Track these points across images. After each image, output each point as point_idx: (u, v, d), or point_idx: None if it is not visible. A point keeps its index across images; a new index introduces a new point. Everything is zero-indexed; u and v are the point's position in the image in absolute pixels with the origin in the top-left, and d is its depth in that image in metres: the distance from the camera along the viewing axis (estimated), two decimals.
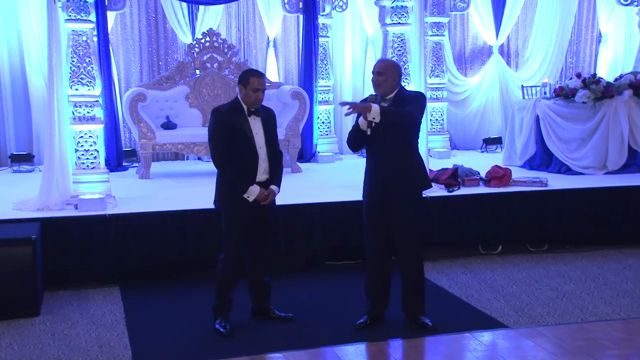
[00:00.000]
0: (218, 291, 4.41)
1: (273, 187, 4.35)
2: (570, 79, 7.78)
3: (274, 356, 4.02)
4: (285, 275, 5.56)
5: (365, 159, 4.49)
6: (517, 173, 6.99)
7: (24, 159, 7.98)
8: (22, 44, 8.14)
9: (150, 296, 5.12)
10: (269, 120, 4.40)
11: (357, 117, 4.36)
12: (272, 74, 8.87)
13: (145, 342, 4.25)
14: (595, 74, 7.65)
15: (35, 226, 5.04)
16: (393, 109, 4.19)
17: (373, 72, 4.32)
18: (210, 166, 8.20)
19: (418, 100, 4.35)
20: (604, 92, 7.24)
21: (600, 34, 10.14)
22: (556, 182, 6.73)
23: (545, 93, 8.05)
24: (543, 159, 7.55)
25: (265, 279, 4.55)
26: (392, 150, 4.24)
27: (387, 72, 4.27)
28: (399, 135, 4.23)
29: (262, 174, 4.32)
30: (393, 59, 7.22)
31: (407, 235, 4.32)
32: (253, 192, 4.24)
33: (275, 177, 4.39)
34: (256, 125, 4.30)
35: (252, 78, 4.23)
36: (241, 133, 4.24)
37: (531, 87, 9.11)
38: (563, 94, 7.44)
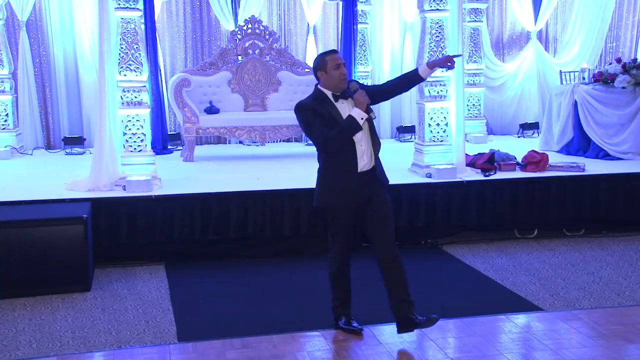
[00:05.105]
0: (332, 291, 4.00)
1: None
2: (610, 64, 7.56)
3: (311, 334, 4.01)
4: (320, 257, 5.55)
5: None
6: (554, 158, 6.84)
7: (75, 142, 8.11)
8: (74, 34, 8.32)
9: (193, 274, 5.18)
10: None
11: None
12: (312, 60, 8.79)
13: (189, 318, 4.29)
14: (635, 59, 7.41)
15: (86, 206, 5.13)
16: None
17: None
18: (252, 150, 8.29)
19: None
20: None
21: None
22: (594, 167, 6.57)
23: (583, 78, 7.83)
24: (581, 144, 7.37)
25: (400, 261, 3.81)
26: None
27: None
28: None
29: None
30: (431, 44, 7.07)
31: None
32: (355, 112, 3.66)
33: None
34: (345, 111, 3.74)
35: (326, 57, 3.80)
36: (330, 120, 3.72)
37: (569, 72, 8.86)
38: (602, 79, 7.24)
